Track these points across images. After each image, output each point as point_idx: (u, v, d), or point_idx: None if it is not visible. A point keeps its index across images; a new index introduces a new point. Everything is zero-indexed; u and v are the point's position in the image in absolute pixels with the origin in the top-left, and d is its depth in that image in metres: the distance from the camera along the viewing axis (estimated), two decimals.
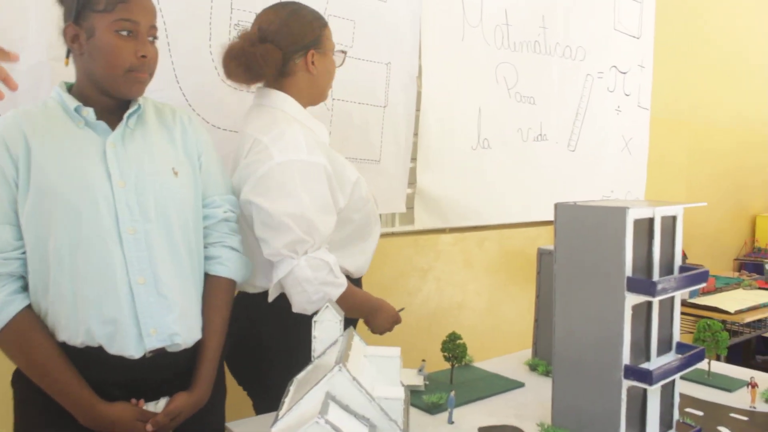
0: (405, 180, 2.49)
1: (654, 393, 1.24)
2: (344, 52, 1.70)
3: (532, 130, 2.81)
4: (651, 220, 1.21)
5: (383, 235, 2.52)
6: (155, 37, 1.36)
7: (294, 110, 1.59)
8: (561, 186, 2.88)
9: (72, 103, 1.30)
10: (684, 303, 2.89)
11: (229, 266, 1.44)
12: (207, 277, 1.42)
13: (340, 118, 2.30)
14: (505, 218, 2.75)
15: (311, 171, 1.47)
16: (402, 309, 1.77)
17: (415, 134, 2.50)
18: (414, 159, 2.51)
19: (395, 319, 1.73)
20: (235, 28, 2.06)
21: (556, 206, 1.26)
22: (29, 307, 1.23)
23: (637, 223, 1.17)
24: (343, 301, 1.51)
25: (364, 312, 1.69)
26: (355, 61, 2.31)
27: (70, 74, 1.42)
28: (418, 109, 2.49)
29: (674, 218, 1.29)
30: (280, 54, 1.53)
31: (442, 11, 2.53)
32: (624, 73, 3.07)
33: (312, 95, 1.64)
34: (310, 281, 1.47)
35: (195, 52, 2.03)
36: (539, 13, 2.81)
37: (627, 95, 3.13)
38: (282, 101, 1.59)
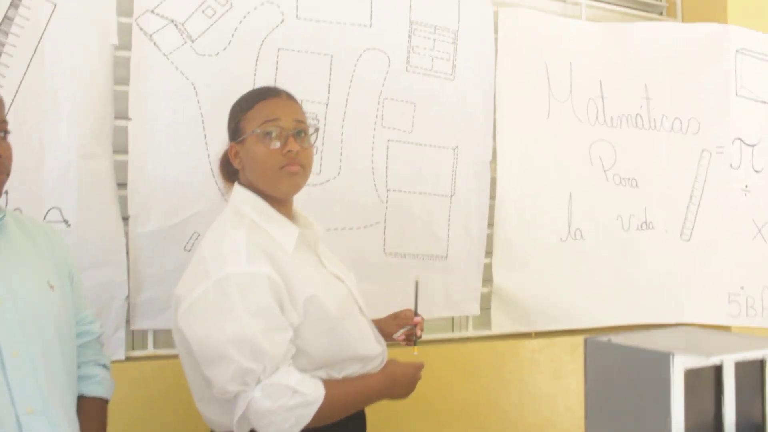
0: (479, 278, 2.17)
1: None
2: (269, 133, 1.32)
3: (635, 218, 2.40)
4: (718, 369, 0.83)
5: (454, 341, 2.21)
6: (6, 132, 1.24)
7: (250, 208, 1.33)
8: (673, 283, 2.42)
9: None
10: None
11: (106, 386, 1.35)
12: (82, 398, 1.30)
13: (397, 211, 2.04)
14: (604, 320, 2.33)
15: (252, 284, 1.22)
16: (416, 343, 1.56)
17: (490, 225, 2.19)
18: (489, 253, 2.19)
19: (416, 376, 1.44)
20: None
21: (586, 343, 0.95)
22: None
23: (696, 372, 0.80)
24: (330, 409, 1.26)
25: (372, 398, 1.38)
26: (414, 147, 2.07)
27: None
28: (492, 197, 2.18)
29: (762, 364, 0.89)
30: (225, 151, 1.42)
31: (521, 86, 2.23)
32: (752, 145, 2.59)
33: (259, 189, 1.35)
34: (274, 411, 1.20)
35: None
36: (641, 81, 2.43)
37: (757, 171, 2.63)
38: (239, 198, 1.36)
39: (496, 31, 2.21)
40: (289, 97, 1.42)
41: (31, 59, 1.69)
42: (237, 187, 1.37)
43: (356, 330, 1.37)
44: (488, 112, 2.18)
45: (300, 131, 1.36)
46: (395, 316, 1.64)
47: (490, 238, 2.19)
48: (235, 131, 1.38)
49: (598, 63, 2.37)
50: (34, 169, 1.68)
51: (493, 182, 2.18)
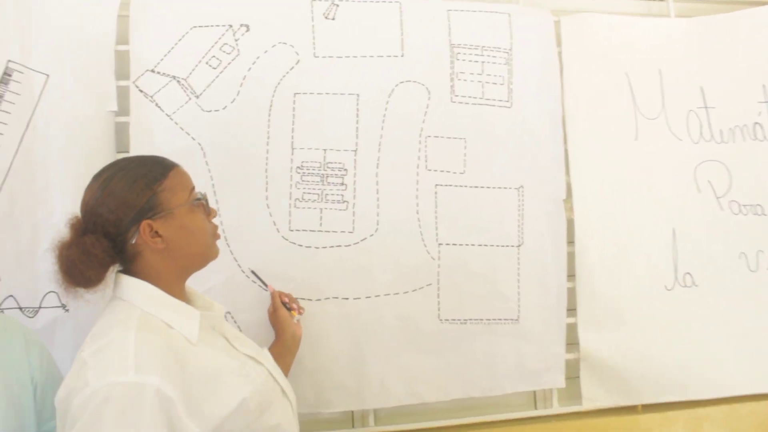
0: (561, 342, 1.76)
1: None
2: (202, 200, 1.22)
3: (763, 254, 1.90)
4: None
5: (537, 420, 1.82)
6: None
7: (148, 301, 1.12)
8: None
9: None
10: None
11: None
12: None
13: (452, 269, 1.70)
14: (731, 389, 1.84)
15: (136, 398, 0.97)
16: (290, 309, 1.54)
17: (570, 277, 1.79)
18: (572, 311, 1.79)
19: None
20: (297, 172, 1.63)
21: None
22: None
23: None
24: None
25: None
26: (468, 191, 1.73)
27: None
28: (570, 243, 1.79)
29: None
30: (105, 243, 1.10)
31: (597, 105, 1.84)
32: None
33: (180, 267, 1.19)
34: None
35: (247, 208, 1.63)
36: (757, 82, 1.94)
37: None
38: (131, 290, 1.13)
39: (559, 44, 1.84)
40: None
41: (22, 138, 1.54)
42: (124, 278, 1.14)
43: (279, 421, 1.17)
44: (557, 140, 1.80)
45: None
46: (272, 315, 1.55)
47: (571, 293, 1.79)
48: (151, 207, 1.13)
49: (696, 67, 1.92)
50: (28, 252, 1.52)
51: (571, 225, 1.79)
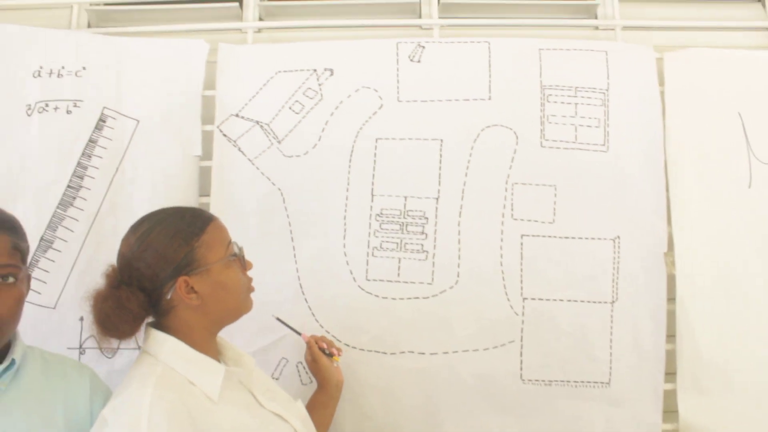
0: (658, 410, 1.59)
1: None
2: (239, 256, 1.21)
3: None
4: None
5: None
6: (14, 277, 1.08)
7: (172, 356, 1.10)
8: None
9: None
10: None
11: None
12: None
13: (537, 325, 1.59)
14: None
15: None
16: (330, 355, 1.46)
17: (670, 339, 1.63)
18: (670, 376, 1.63)
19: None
20: (376, 220, 1.58)
21: None
22: None
23: None
24: None
25: None
26: (558, 242, 1.62)
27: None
28: (671, 301, 1.63)
29: None
30: (141, 297, 1.10)
31: (704, 149, 1.67)
32: None
33: (212, 321, 1.17)
34: None
35: (324, 255, 1.60)
36: None
37: None
38: (157, 344, 1.12)
39: (661, 83, 1.70)
40: None
41: (111, 181, 1.60)
42: (152, 332, 1.13)
43: None
44: (658, 188, 1.65)
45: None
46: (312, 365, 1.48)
47: (671, 355, 1.62)
48: (188, 263, 1.12)
49: None
50: None
51: (671, 280, 1.64)
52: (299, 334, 1.47)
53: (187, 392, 1.06)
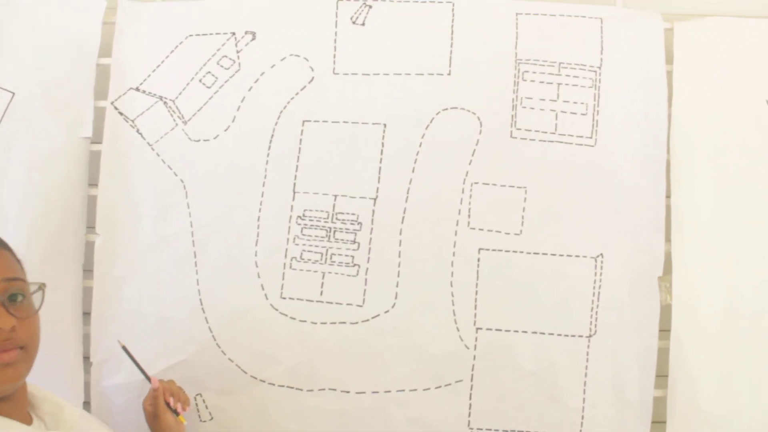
0: None
1: None
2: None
3: None
4: None
5: None
6: (23, 295, 0.92)
7: None
8: None
9: None
10: None
11: None
12: None
13: (488, 361, 1.30)
14: None
15: None
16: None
17: (660, 380, 1.31)
18: (659, 425, 1.32)
19: None
20: (297, 223, 1.29)
21: None
22: None
23: None
24: None
25: None
26: (525, 259, 1.31)
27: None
28: (665, 330, 1.30)
29: None
30: None
31: (719, 147, 1.32)
32: None
33: None
34: None
35: (231, 265, 1.31)
36: None
37: None
38: None
39: (669, 62, 1.35)
40: None
41: None
42: None
43: None
44: (657, 194, 1.31)
45: (15, 294, 0.91)
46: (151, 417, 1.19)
47: (660, 403, 1.31)
48: None
49: None
50: None
51: (666, 311, 1.31)
52: (148, 378, 1.19)
53: None
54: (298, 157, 1.31)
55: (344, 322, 1.28)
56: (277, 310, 1.28)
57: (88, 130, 1.34)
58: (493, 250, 1.30)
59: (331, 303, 1.28)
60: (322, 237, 1.30)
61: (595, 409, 1.29)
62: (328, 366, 1.28)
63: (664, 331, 1.32)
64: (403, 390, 1.28)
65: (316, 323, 1.28)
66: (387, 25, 1.35)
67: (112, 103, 1.34)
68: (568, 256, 1.30)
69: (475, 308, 1.29)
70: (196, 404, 1.30)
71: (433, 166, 1.31)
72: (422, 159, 1.31)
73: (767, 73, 1.33)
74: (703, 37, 1.34)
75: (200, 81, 1.34)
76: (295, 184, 1.30)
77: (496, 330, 1.29)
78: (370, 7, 1.36)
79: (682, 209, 1.32)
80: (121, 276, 1.31)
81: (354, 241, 1.29)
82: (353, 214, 1.30)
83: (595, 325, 1.30)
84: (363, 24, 1.35)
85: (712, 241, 1.31)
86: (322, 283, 1.29)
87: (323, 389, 1.28)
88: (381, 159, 1.31)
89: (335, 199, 1.30)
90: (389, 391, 1.28)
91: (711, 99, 1.34)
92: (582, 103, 1.33)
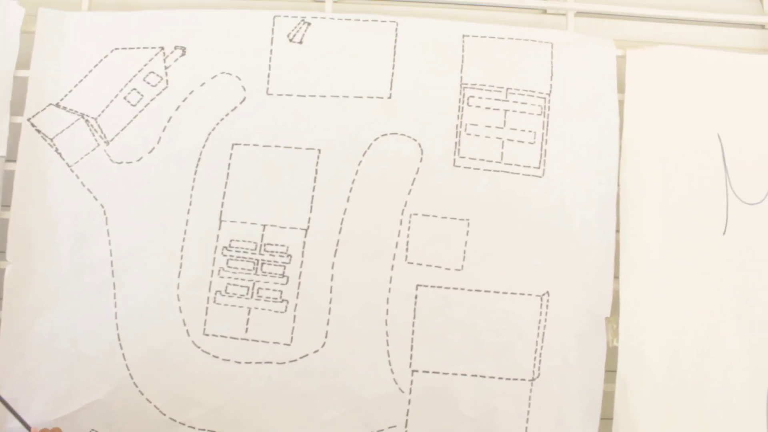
0: None
1: None
2: None
3: None
4: None
5: None
6: None
7: None
8: None
9: None
10: None
11: None
12: None
13: (424, 406, 1.22)
14: None
15: None
16: None
17: (605, 422, 1.24)
18: None
19: None
20: (223, 254, 1.20)
21: None
22: None
23: None
24: None
25: None
26: (465, 297, 1.23)
27: None
28: (610, 381, 1.24)
29: None
30: None
31: (670, 181, 1.26)
32: None
33: None
34: None
35: (150, 297, 1.22)
36: None
37: None
38: None
39: (621, 90, 1.28)
40: None
41: None
42: None
43: None
44: (606, 229, 1.24)
45: None
46: None
47: None
48: None
49: None
50: None
51: (612, 354, 1.24)
52: (27, 427, 1.10)
53: None
54: (226, 183, 1.22)
55: (270, 362, 1.20)
56: (199, 347, 1.19)
57: (2, 148, 1.25)
58: (432, 286, 1.22)
59: (257, 341, 1.20)
60: (249, 270, 1.21)
61: None
62: (253, 409, 1.19)
63: (610, 371, 1.26)
64: None
65: (240, 362, 1.19)
66: (326, 44, 1.27)
67: (28, 119, 1.24)
68: (512, 293, 1.23)
69: (411, 349, 1.21)
70: None
71: (369, 196, 1.23)
72: (358, 187, 1.23)
73: (720, 105, 1.27)
74: (656, 65, 1.28)
75: (125, 98, 1.25)
76: (221, 212, 1.22)
77: (434, 372, 1.21)
78: (309, 24, 1.28)
79: (630, 246, 1.25)
80: (33, 307, 1.21)
81: (283, 275, 1.21)
82: (283, 245, 1.21)
83: (539, 368, 1.23)
84: (300, 42, 1.27)
85: (662, 280, 1.25)
86: (248, 320, 1.20)
87: None
88: (314, 187, 1.23)
89: (264, 229, 1.22)
90: None
91: (662, 131, 1.27)
92: (530, 132, 1.26)
